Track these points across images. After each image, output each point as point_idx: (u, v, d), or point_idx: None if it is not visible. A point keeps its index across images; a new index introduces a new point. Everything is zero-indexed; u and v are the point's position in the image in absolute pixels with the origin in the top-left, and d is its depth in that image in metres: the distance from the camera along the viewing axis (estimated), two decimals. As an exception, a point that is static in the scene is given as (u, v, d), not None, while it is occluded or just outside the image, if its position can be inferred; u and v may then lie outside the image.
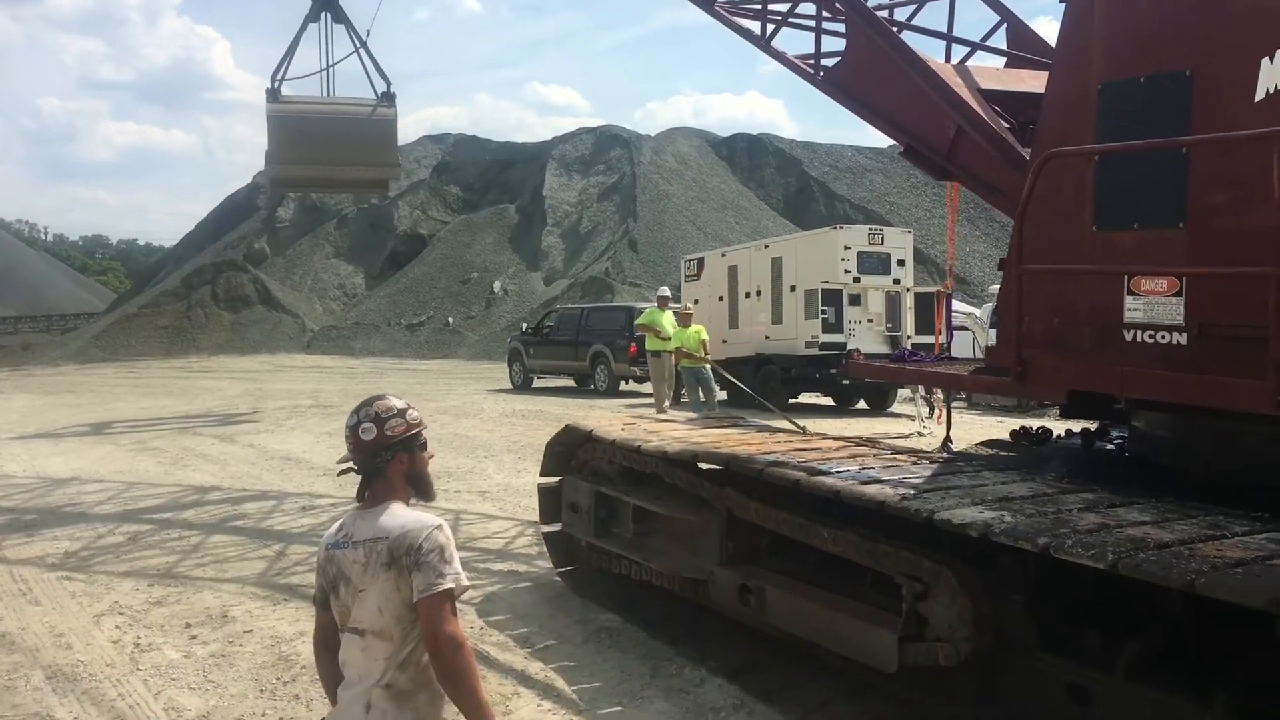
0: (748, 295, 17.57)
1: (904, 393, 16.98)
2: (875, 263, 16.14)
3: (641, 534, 5.33)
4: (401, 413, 2.52)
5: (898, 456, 4.64)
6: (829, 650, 4.10)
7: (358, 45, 15.82)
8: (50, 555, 7.43)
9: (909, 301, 16.27)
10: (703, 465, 4.90)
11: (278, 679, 4.81)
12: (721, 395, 14.65)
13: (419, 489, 2.55)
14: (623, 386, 20.04)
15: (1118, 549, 2.92)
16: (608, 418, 6.47)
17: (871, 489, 3.81)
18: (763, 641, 4.69)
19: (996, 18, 6.26)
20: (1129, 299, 3.96)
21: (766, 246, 18.17)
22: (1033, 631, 3.41)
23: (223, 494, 9.76)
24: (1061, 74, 4.39)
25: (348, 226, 45.25)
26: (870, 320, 16.02)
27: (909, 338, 16.00)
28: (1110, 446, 4.60)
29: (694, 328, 13.91)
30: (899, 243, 16.77)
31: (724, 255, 19.19)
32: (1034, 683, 3.41)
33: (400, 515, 2.43)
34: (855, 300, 15.92)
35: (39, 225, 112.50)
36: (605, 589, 5.82)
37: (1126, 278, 3.96)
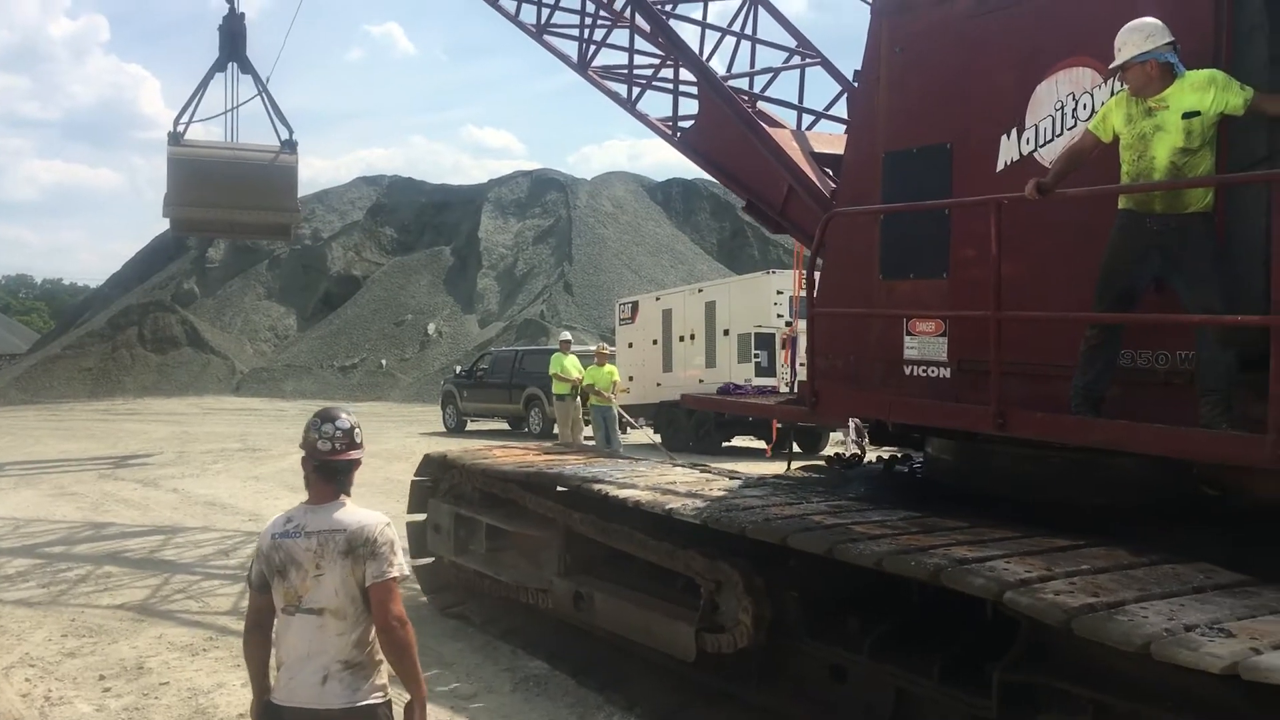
0: (682, 339, 17.83)
1: (836, 436, 17.55)
2: (808, 307, 16.66)
3: (495, 550, 5.80)
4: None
5: (707, 477, 5.32)
6: (644, 644, 4.63)
7: (261, 93, 16.63)
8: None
9: None
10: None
11: (194, 732, 4.66)
12: (645, 438, 15.06)
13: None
14: (556, 430, 20.30)
15: (749, 519, 3.86)
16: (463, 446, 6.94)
17: (570, 478, 5.04)
18: (690, 687, 4.73)
19: (839, 88, 7.02)
20: (908, 339, 4.61)
21: (700, 290, 18.49)
22: (802, 621, 3.96)
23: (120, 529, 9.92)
24: (855, 142, 5.08)
25: (280, 267, 45.00)
26: (802, 364, 16.42)
27: None
28: (906, 470, 5.23)
29: (607, 367, 14.35)
30: None
31: (658, 299, 19.45)
32: (803, 665, 3.97)
33: (355, 512, 2.80)
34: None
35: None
36: (536, 634, 5.78)
37: (905, 320, 4.61)
